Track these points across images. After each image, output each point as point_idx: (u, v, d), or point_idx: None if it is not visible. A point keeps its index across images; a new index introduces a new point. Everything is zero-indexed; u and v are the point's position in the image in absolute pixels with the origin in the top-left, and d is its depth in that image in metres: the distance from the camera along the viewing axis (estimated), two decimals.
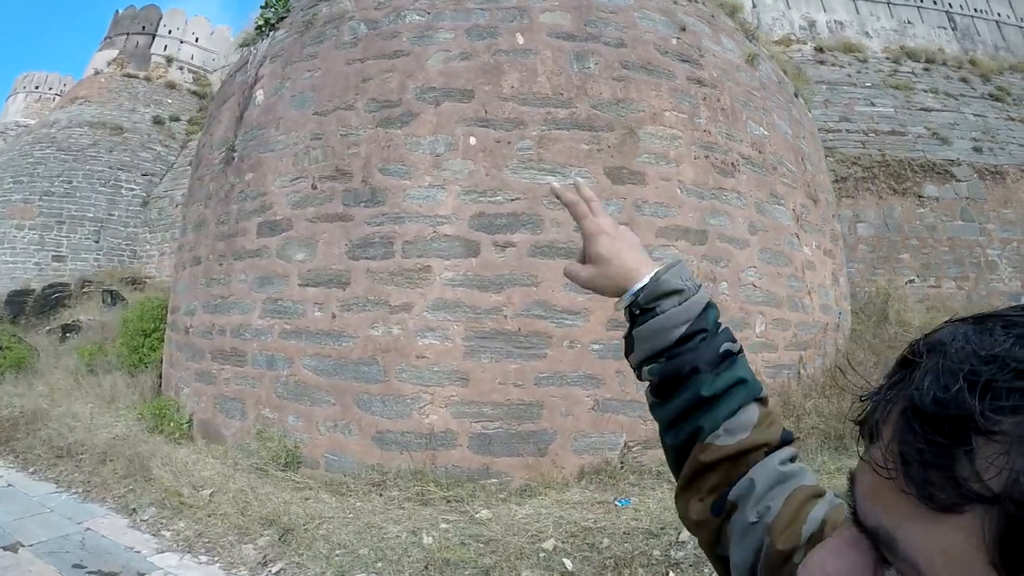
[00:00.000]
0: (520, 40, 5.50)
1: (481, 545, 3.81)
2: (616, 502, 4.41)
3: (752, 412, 0.68)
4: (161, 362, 7.06)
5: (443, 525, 4.08)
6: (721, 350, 0.71)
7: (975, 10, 15.31)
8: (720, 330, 0.74)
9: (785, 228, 6.09)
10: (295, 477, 4.86)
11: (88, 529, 4.54)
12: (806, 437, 5.07)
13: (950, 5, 14.98)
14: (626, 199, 5.24)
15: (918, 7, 14.45)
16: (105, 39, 22.96)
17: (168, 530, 4.42)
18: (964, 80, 12.07)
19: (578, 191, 0.84)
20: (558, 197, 0.88)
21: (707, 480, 0.68)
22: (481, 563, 3.63)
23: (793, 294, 6.01)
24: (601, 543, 3.76)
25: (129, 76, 20.48)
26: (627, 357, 0.78)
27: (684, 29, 5.94)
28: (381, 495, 4.52)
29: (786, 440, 0.69)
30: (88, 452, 5.25)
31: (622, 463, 4.89)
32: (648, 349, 0.74)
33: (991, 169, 9.37)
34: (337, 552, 3.81)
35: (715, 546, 0.66)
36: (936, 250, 8.74)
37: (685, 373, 0.70)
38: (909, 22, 14.09)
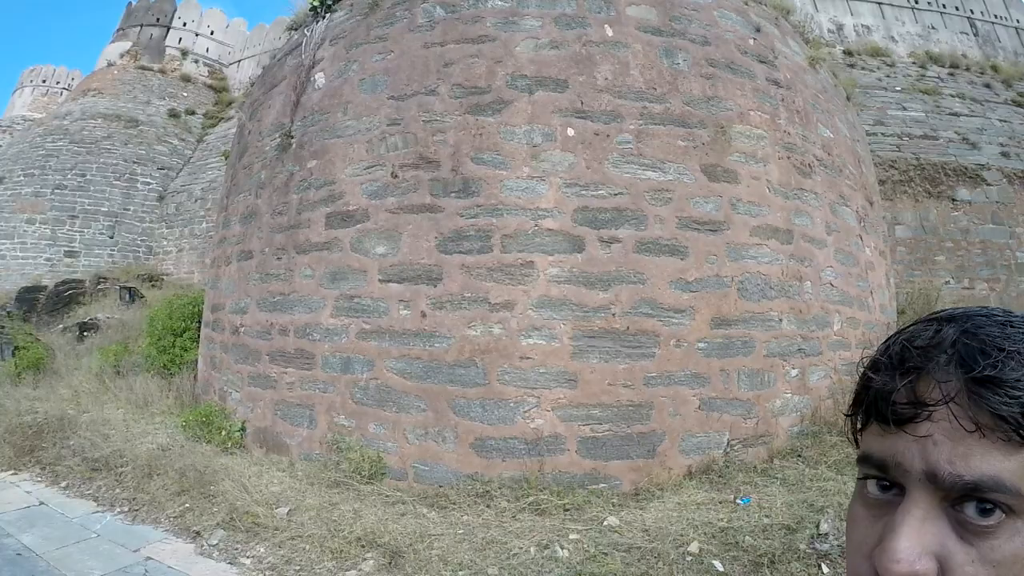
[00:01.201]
0: (609, 32, 5.35)
1: (623, 554, 3.56)
2: (737, 500, 4.27)
3: None
4: (196, 363, 6.38)
5: (572, 536, 3.78)
6: None
7: (996, 16, 16.13)
8: None
9: (852, 229, 6.20)
10: (383, 490, 4.43)
11: (149, 559, 3.95)
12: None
13: (972, 11, 15.75)
14: (722, 197, 5.16)
15: (941, 13, 15.18)
16: (118, 31, 21.77)
17: (247, 557, 3.88)
18: (987, 86, 12.74)
19: None
20: None
21: None
22: (629, 572, 3.39)
23: (860, 294, 6.11)
24: (743, 541, 3.59)
25: (143, 69, 19.47)
26: None
27: (759, 30, 5.97)
28: (489, 507, 4.17)
29: None
30: (129, 464, 4.61)
31: (726, 462, 4.77)
32: None
33: (1019, 174, 9.94)
34: (461, 574, 3.44)
35: None
36: (969, 252, 9.16)
37: None
38: (933, 27, 14.77)
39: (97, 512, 4.46)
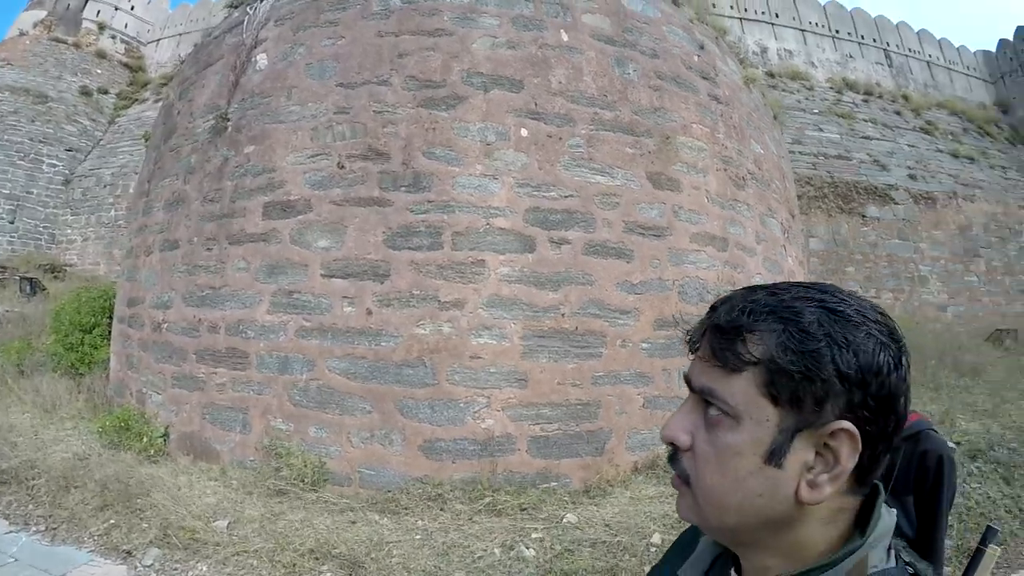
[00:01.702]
0: (565, 37, 5.41)
1: (590, 549, 3.59)
2: None
3: None
4: (108, 363, 5.81)
5: (535, 535, 3.77)
6: None
7: (909, 50, 17.48)
8: None
9: (777, 240, 6.58)
10: (328, 497, 4.21)
11: None
12: None
13: (888, 43, 17.05)
14: (665, 204, 5.33)
15: (859, 43, 16.34)
16: None
17: None
18: (898, 113, 13.88)
19: None
20: None
21: None
22: (599, 567, 3.41)
23: None
24: None
25: (57, 41, 17.59)
26: None
27: (703, 48, 6.24)
28: (443, 510, 4.06)
29: None
30: (43, 476, 4.09)
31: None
32: None
33: (924, 195, 10.90)
34: None
35: None
36: (877, 265, 9.94)
37: None
38: (851, 56, 15.90)
39: (11, 532, 3.89)
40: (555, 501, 4.20)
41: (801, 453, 0.52)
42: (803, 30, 15.01)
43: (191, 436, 4.79)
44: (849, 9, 16.55)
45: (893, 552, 0.56)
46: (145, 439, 4.63)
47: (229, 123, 5.18)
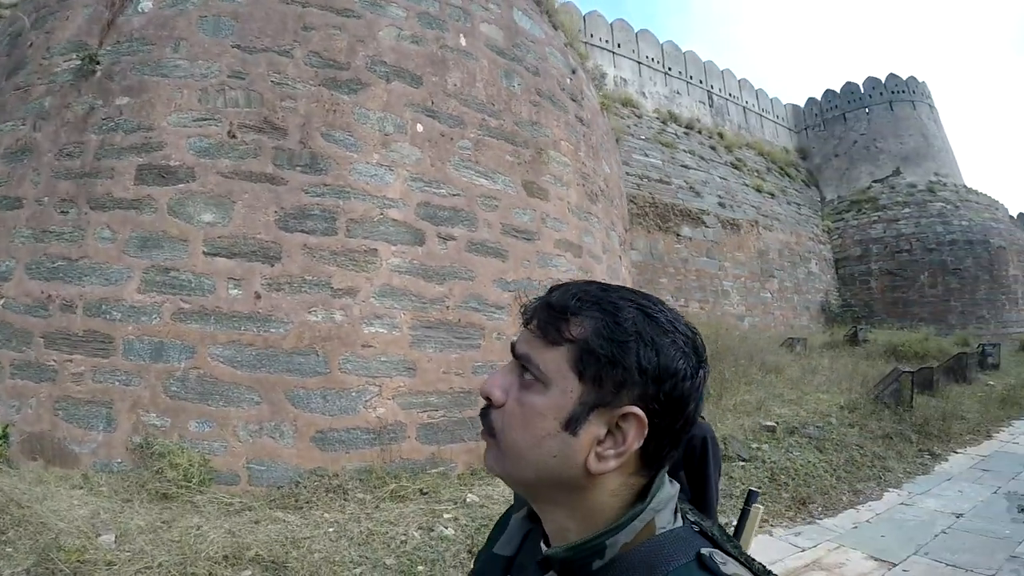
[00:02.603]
0: (463, 42, 5.70)
1: None
2: None
3: None
4: None
5: (446, 515, 3.96)
6: None
7: (730, 94, 20.21)
8: None
9: (616, 251, 7.69)
10: (220, 497, 3.96)
11: None
12: None
13: (712, 86, 19.53)
14: (536, 211, 5.99)
15: (687, 82, 18.49)
16: None
17: None
18: (713, 148, 16.05)
19: None
20: None
21: None
22: None
23: None
24: None
25: None
26: None
27: (575, 72, 6.97)
28: (347, 500, 4.07)
29: None
30: None
31: None
32: None
33: (730, 221, 12.97)
34: (358, 571, 3.25)
35: None
36: (687, 278, 11.74)
37: None
38: (678, 92, 17.93)
39: None
40: (449, 484, 4.49)
41: (595, 427, 0.59)
42: (640, 63, 16.89)
43: (40, 437, 4.16)
44: (683, 50, 18.98)
45: (680, 515, 0.64)
46: None
47: (99, 67, 4.51)
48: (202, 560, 3.16)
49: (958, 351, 10.82)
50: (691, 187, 13.30)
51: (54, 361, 4.28)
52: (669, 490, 0.63)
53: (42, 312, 4.34)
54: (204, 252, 4.42)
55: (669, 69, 18.13)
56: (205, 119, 4.57)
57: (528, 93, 6.18)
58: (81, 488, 3.88)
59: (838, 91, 22.57)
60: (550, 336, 0.60)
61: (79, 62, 4.54)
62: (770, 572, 0.63)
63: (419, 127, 5.23)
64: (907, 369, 7.48)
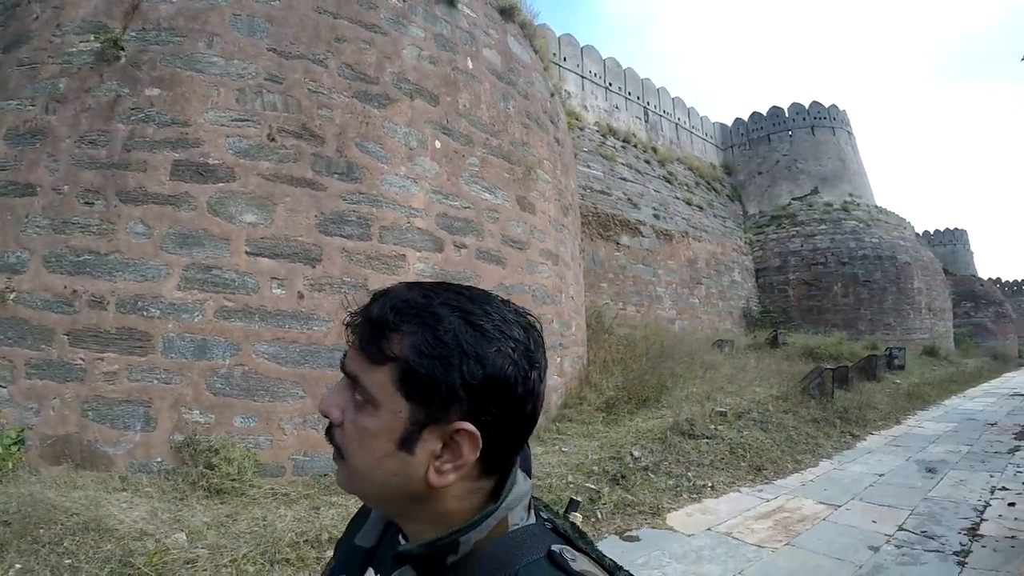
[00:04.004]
0: (470, 65, 6.17)
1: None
2: (563, 449, 5.76)
3: None
4: None
5: None
6: None
7: (664, 111, 21.40)
8: None
9: (578, 259, 8.47)
10: (273, 488, 4.09)
11: None
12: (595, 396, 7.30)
13: (648, 103, 20.66)
14: (526, 223, 6.59)
15: (625, 98, 19.47)
16: None
17: None
18: (648, 162, 17.06)
19: None
20: None
21: None
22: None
23: (580, 306, 8.42)
24: (595, 469, 5.09)
25: None
26: None
27: (553, 95, 7.64)
28: None
29: None
30: None
31: None
32: None
33: (664, 231, 14.06)
34: None
35: None
36: (624, 284, 12.67)
37: None
38: (617, 107, 18.86)
39: None
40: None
41: (430, 444, 0.57)
42: (584, 77, 17.89)
43: (66, 440, 3.99)
44: (623, 67, 20.22)
45: (534, 511, 0.64)
46: None
47: (123, 53, 4.40)
48: (283, 546, 3.27)
49: (868, 354, 12.54)
50: (629, 199, 14.40)
51: (81, 359, 4.15)
52: (523, 486, 0.63)
53: (66, 308, 4.19)
54: (247, 251, 4.52)
55: (610, 84, 19.19)
56: (243, 120, 4.65)
57: (520, 115, 6.77)
58: (124, 491, 3.79)
59: (764, 114, 24.63)
60: (373, 356, 0.58)
61: (99, 45, 4.39)
62: (621, 568, 0.65)
63: (437, 143, 5.63)
64: (828, 366, 9.02)
